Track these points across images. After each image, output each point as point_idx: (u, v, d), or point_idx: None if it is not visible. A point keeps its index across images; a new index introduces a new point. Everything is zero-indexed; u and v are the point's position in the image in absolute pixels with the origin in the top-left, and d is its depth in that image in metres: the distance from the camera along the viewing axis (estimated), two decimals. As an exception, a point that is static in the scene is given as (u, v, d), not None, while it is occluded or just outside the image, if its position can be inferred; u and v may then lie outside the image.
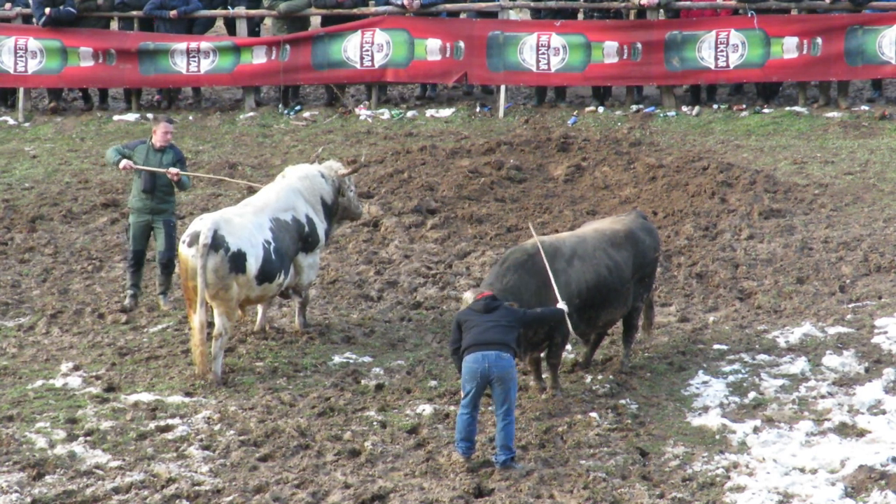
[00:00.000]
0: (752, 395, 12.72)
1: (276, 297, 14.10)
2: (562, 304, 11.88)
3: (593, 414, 12.28)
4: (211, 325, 13.05)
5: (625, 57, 21.58)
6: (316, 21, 22.93)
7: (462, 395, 11.43)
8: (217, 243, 12.84)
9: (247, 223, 13.21)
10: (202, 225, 12.95)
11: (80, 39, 21.86)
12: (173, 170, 14.61)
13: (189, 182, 15.04)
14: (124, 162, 14.61)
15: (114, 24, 22.41)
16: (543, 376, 12.85)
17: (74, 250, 16.66)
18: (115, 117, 22.04)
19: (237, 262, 12.93)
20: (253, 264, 13.06)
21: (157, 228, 14.74)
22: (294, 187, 13.97)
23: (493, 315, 11.43)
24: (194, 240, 12.88)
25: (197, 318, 12.80)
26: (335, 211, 14.33)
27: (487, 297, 11.56)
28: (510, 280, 12.16)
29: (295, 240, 13.64)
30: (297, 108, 22.22)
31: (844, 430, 12.08)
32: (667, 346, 13.79)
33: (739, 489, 11.11)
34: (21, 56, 21.84)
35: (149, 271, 15.46)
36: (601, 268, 12.71)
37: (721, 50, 21.45)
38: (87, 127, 21.72)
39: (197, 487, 11.03)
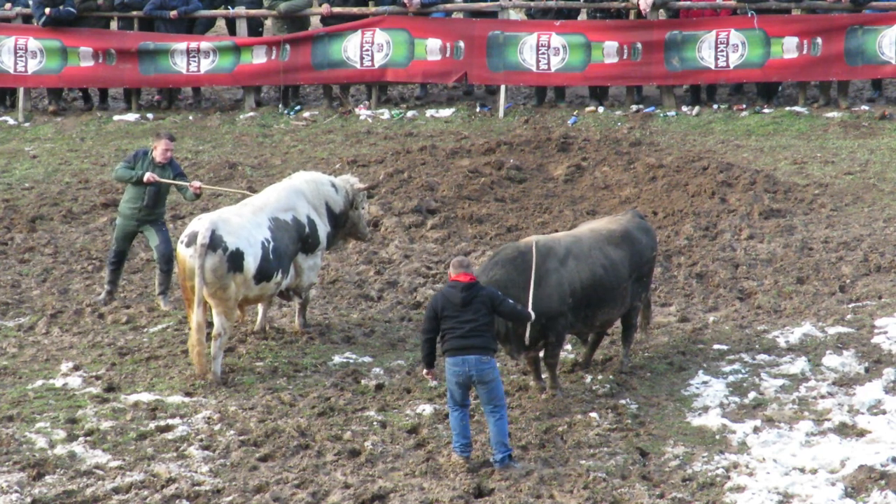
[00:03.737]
0: (752, 395, 12.72)
1: (276, 298, 14.09)
2: (531, 312, 11.85)
3: (593, 414, 12.28)
4: (210, 325, 13.04)
5: (625, 57, 21.59)
6: (316, 21, 22.93)
7: (447, 396, 11.46)
8: (215, 243, 12.84)
9: (245, 222, 13.20)
10: (200, 225, 12.94)
11: (80, 39, 21.87)
12: (196, 183, 14.65)
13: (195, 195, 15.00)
14: (148, 175, 14.58)
15: (114, 24, 22.41)
16: (543, 376, 12.86)
17: (74, 250, 16.66)
18: (115, 117, 22.05)
19: (235, 261, 12.93)
20: (251, 263, 13.05)
21: (148, 232, 14.75)
22: (297, 188, 13.96)
23: (471, 310, 11.33)
24: (192, 240, 12.88)
25: (195, 318, 12.80)
26: (343, 221, 14.28)
27: (466, 284, 11.42)
28: (497, 274, 12.17)
29: (294, 240, 13.61)
30: (297, 108, 22.23)
31: (844, 430, 12.07)
32: (667, 346, 13.79)
33: (739, 489, 11.11)
34: (21, 56, 21.85)
35: (149, 271, 15.46)
36: (597, 267, 12.72)
37: (721, 50, 21.46)
38: (87, 127, 21.73)
39: (197, 487, 11.03)
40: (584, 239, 12.90)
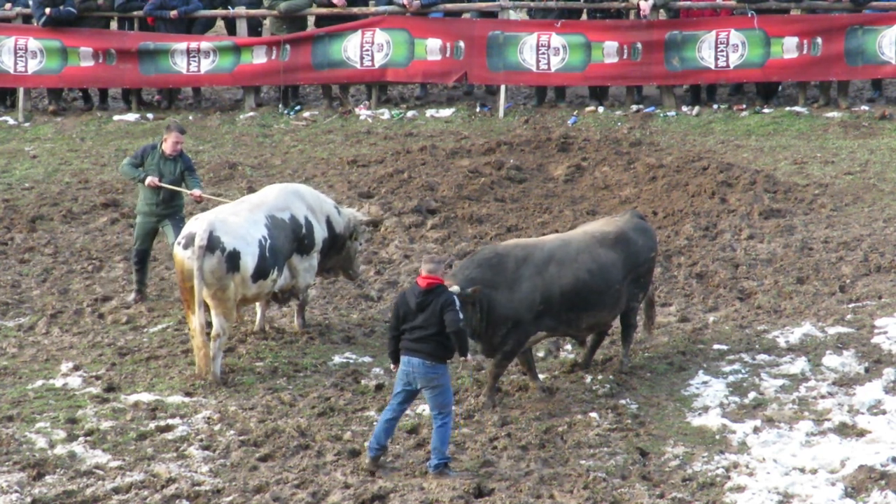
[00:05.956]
0: (752, 395, 12.72)
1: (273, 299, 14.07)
2: (468, 353, 11.47)
3: (593, 414, 12.28)
4: (209, 325, 13.03)
5: (625, 57, 21.59)
6: (313, 21, 22.89)
7: (393, 391, 11.39)
8: (213, 244, 12.82)
9: (242, 221, 13.18)
10: (197, 226, 12.93)
11: (80, 39, 21.87)
12: (196, 192, 14.62)
13: (202, 188, 14.95)
14: (150, 179, 14.57)
15: (114, 24, 22.40)
16: (541, 376, 12.87)
17: (74, 250, 16.66)
18: (115, 117, 22.05)
19: (233, 261, 12.91)
20: (249, 262, 13.02)
21: (166, 227, 14.76)
22: (297, 190, 13.96)
23: (422, 317, 11.15)
24: (190, 241, 12.87)
25: (196, 320, 12.79)
26: (340, 246, 14.22)
27: (422, 290, 11.19)
28: (473, 273, 12.19)
29: (290, 239, 13.57)
30: (297, 108, 22.23)
31: (844, 430, 12.07)
32: (667, 346, 13.79)
33: (739, 489, 11.11)
34: (21, 56, 21.84)
35: (149, 270, 15.43)
36: (582, 272, 12.59)
37: (721, 50, 21.47)
38: (87, 127, 21.73)
39: (197, 487, 11.03)
40: (573, 242, 12.81)
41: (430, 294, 11.21)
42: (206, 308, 12.91)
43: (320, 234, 13.92)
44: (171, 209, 14.78)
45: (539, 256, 12.50)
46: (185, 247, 12.90)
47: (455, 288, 11.79)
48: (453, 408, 11.41)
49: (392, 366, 11.61)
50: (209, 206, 14.58)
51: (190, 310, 12.92)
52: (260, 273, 13.15)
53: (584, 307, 12.65)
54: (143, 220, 14.89)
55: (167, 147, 14.67)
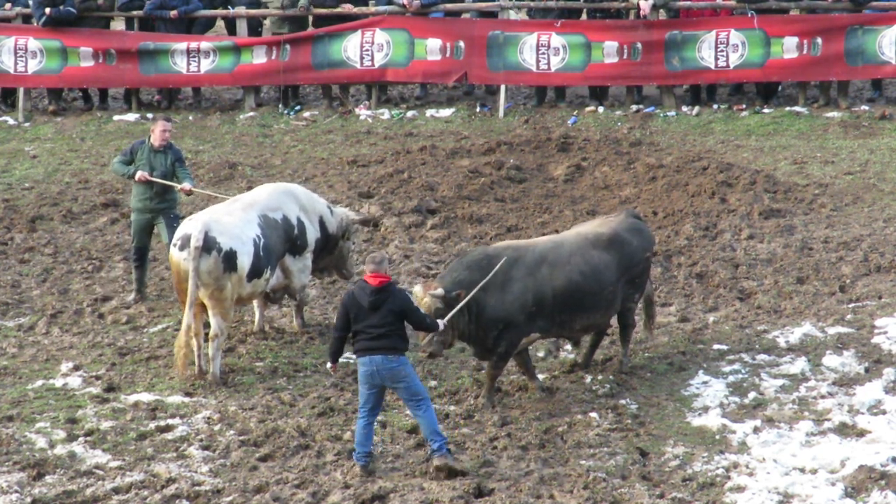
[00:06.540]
0: (752, 395, 12.72)
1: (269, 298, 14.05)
2: (438, 323, 11.61)
3: (593, 414, 12.28)
4: (207, 325, 13.02)
5: (625, 57, 21.60)
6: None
7: (360, 400, 11.36)
8: (209, 245, 12.80)
9: (236, 220, 13.17)
10: (192, 227, 12.91)
11: (80, 39, 21.87)
12: (187, 186, 14.61)
13: (192, 181, 14.97)
14: (140, 173, 14.58)
15: (118, 24, 22.38)
16: (540, 377, 12.86)
17: (74, 250, 16.66)
18: (115, 117, 22.05)
19: (230, 261, 12.90)
20: (245, 261, 13.01)
21: (160, 224, 14.76)
22: (289, 189, 13.96)
23: (378, 315, 11.15)
24: (186, 243, 12.86)
25: (185, 320, 12.78)
26: (333, 246, 14.23)
27: (374, 288, 11.16)
28: (461, 275, 12.14)
29: (283, 239, 13.55)
30: (297, 108, 22.23)
31: (844, 430, 12.07)
32: (667, 346, 13.79)
33: (739, 489, 11.11)
34: (21, 56, 21.85)
35: (149, 270, 15.43)
36: (574, 274, 12.53)
37: (721, 50, 21.47)
38: (87, 127, 21.73)
39: (197, 487, 11.03)
40: (566, 244, 12.74)
41: (382, 292, 11.19)
42: (203, 309, 12.91)
43: (313, 234, 13.92)
44: (165, 203, 14.77)
45: (531, 258, 12.45)
46: (181, 248, 12.90)
47: (440, 290, 11.80)
48: (429, 397, 11.42)
49: (329, 365, 11.59)
50: (212, 202, 14.59)
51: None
52: (255, 272, 13.14)
53: (577, 309, 12.60)
54: (137, 217, 14.90)
55: (155, 138, 14.67)
